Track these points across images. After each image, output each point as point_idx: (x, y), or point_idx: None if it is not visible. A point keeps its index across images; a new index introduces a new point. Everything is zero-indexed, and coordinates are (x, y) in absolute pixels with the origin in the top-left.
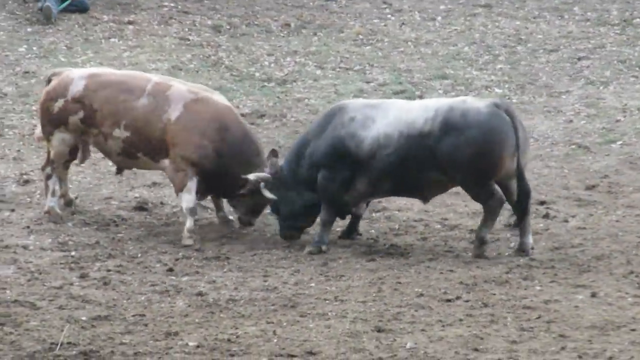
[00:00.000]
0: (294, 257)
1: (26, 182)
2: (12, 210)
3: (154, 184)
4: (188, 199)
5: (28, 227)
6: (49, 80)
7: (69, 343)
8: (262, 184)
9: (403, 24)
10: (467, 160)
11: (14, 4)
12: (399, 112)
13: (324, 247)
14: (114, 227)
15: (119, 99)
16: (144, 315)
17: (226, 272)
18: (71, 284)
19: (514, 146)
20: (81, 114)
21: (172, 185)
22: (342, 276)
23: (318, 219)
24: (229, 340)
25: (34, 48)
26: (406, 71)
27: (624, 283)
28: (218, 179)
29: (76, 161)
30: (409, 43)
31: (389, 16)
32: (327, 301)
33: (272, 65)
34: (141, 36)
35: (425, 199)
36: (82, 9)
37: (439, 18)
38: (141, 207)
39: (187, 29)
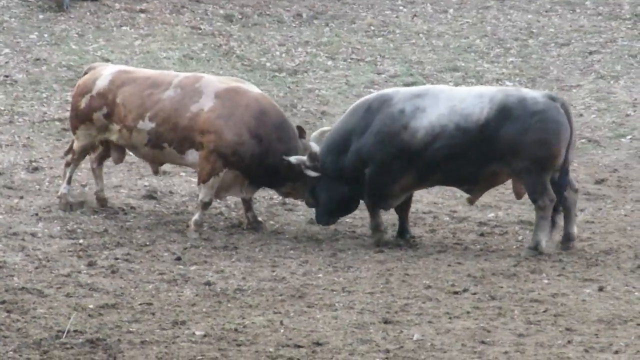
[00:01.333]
0: (302, 248)
1: (35, 169)
2: (21, 197)
3: (164, 172)
4: (207, 192)
5: (37, 214)
6: (85, 73)
7: (75, 331)
8: (304, 165)
9: (415, 15)
10: (528, 146)
11: None
12: (451, 101)
13: (382, 228)
14: (122, 216)
15: (144, 93)
16: (151, 304)
17: (234, 261)
18: (79, 272)
19: (568, 140)
20: (105, 109)
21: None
22: (350, 267)
23: None
24: (236, 330)
25: (45, 35)
26: (417, 63)
27: (632, 277)
28: (260, 168)
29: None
30: (421, 35)
31: (401, 8)
32: (334, 292)
33: (284, 55)
34: (153, 25)
35: (475, 194)
36: None
37: (451, 10)
38: (150, 196)
39: (199, 18)
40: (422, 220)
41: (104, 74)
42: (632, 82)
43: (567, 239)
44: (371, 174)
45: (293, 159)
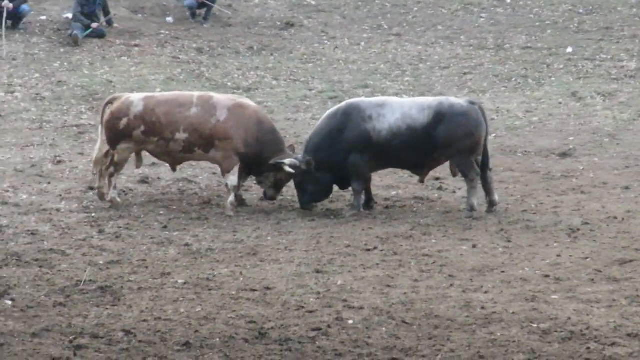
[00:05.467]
0: (255, 218)
1: (59, 162)
2: (49, 183)
3: (153, 164)
4: (232, 179)
5: (60, 195)
6: (109, 102)
7: (90, 280)
8: (287, 164)
9: (336, 47)
10: (458, 138)
11: (50, 31)
12: (402, 109)
13: (361, 210)
14: (123, 196)
15: (176, 111)
16: (145, 260)
17: (206, 228)
18: (92, 237)
19: (486, 131)
20: (143, 127)
21: (218, 167)
22: (291, 232)
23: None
24: (207, 279)
25: (65, 64)
26: (338, 82)
27: (496, 237)
28: (256, 163)
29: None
30: (341, 61)
31: (325, 42)
32: (279, 250)
33: (240, 77)
34: (144, 55)
35: (423, 175)
36: (101, 35)
37: (362, 43)
38: (144, 181)
39: (178, 50)
40: (343, 197)
41: (135, 100)
42: (495, 95)
43: (491, 205)
44: (354, 160)
45: (287, 161)
